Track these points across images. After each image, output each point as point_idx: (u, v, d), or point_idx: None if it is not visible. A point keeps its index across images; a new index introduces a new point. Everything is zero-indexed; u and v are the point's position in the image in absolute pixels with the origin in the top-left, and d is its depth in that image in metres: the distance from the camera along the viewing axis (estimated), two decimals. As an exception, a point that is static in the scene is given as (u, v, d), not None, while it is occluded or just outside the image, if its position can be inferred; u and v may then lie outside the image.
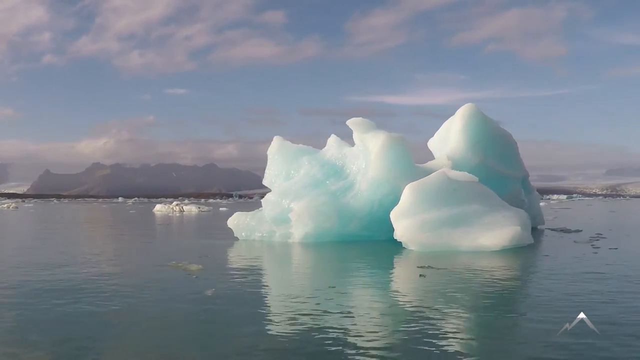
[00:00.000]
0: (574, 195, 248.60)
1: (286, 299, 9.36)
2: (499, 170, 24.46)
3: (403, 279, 12.46)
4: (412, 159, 21.48)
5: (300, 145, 24.40)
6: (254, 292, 10.07)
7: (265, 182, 24.06)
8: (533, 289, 10.46)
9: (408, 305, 8.80)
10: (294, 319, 7.80)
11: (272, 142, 24.20)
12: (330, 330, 7.08)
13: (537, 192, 29.61)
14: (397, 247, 17.36)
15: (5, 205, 78.62)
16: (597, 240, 19.81)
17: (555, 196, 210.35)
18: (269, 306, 8.81)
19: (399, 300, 9.38)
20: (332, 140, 23.45)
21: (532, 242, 18.20)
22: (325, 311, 8.23)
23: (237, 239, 21.62)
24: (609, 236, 21.82)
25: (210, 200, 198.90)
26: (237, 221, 22.12)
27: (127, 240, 23.93)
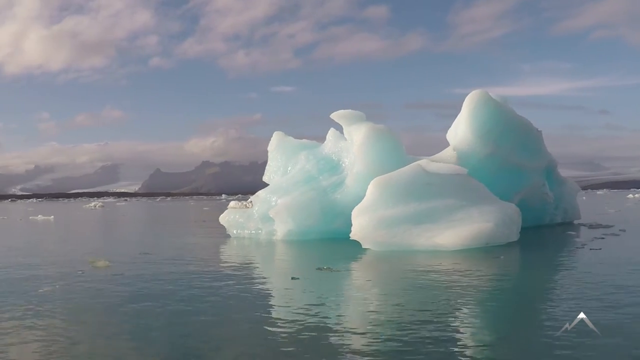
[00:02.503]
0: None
1: (134, 303, 8.80)
2: (515, 162, 22.55)
3: (275, 283, 11.37)
4: (402, 151, 20.22)
5: (304, 140, 23.72)
6: (104, 290, 9.55)
7: (264, 178, 23.58)
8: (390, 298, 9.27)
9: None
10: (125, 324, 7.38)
11: (272, 138, 23.71)
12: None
13: (575, 184, 27.18)
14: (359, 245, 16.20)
15: (93, 204, 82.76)
16: (603, 238, 17.72)
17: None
18: (90, 312, 8.29)
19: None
20: (331, 134, 22.52)
21: (515, 239, 16.57)
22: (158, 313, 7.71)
23: (229, 236, 21.32)
24: (627, 233, 19.63)
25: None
26: (228, 218, 21.80)
27: (115, 237, 24.99)
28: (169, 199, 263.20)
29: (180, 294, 9.37)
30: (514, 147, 22.70)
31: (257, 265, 13.92)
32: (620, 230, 20.70)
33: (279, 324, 7.19)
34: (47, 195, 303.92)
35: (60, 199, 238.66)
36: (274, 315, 7.82)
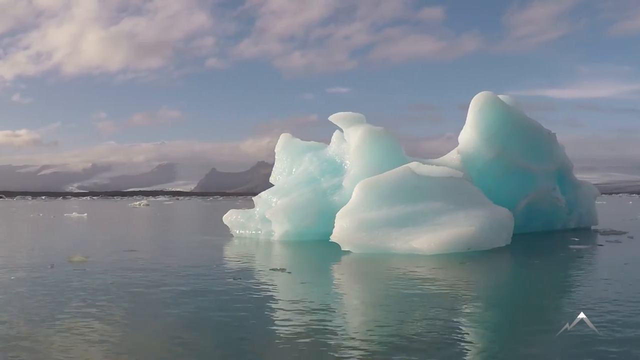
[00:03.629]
0: None
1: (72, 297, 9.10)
2: (523, 165, 22.03)
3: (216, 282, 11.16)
4: (401, 153, 20.06)
5: (311, 142, 23.77)
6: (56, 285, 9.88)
7: (271, 179, 23.78)
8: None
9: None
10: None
11: (279, 140, 23.89)
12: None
13: (593, 188, 26.25)
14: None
15: (138, 203, 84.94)
16: (602, 246, 17.17)
17: None
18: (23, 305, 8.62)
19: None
20: (335, 136, 22.55)
21: (503, 245, 16.28)
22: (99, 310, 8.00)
23: (231, 235, 21.62)
24: (633, 240, 18.99)
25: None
26: (231, 218, 22.10)
27: (118, 234, 25.63)
28: (221, 198, 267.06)
29: (121, 286, 9.68)
30: (522, 150, 22.20)
31: (216, 264, 13.48)
32: (629, 237, 19.96)
33: (177, 324, 7.35)
34: (103, 193, 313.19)
35: (115, 197, 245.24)
36: (175, 315, 7.93)
